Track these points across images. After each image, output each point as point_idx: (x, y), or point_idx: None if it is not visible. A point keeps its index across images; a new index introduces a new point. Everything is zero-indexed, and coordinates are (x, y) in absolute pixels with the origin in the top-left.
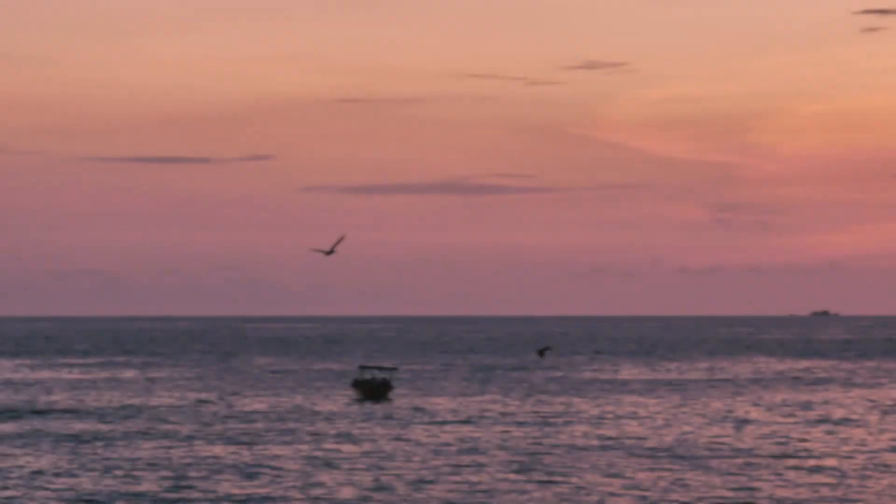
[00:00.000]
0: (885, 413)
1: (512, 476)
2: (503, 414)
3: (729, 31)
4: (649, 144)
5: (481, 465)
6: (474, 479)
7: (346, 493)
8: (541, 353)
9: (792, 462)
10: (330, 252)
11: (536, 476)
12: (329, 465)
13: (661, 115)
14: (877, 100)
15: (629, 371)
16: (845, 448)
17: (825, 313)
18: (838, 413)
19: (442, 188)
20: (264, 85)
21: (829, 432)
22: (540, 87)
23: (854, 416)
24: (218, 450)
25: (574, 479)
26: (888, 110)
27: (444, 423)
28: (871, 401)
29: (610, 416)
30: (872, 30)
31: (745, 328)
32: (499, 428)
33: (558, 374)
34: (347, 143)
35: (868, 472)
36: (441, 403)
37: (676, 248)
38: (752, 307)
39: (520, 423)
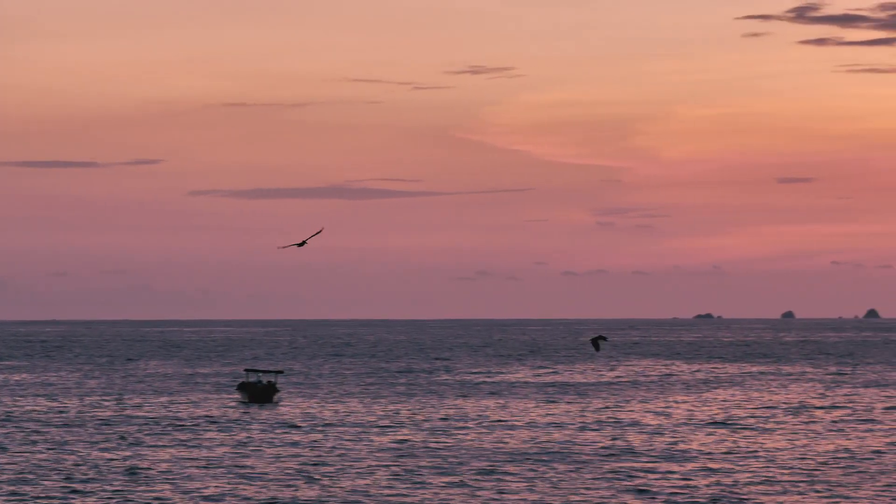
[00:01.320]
0: (762, 415)
1: (381, 480)
2: (390, 417)
3: (613, 37)
4: (534, 148)
5: (366, 469)
6: (353, 483)
7: (223, 491)
8: (595, 342)
9: (666, 465)
10: (302, 244)
11: (407, 479)
12: (208, 466)
13: (546, 119)
14: (759, 104)
15: (516, 374)
16: (722, 449)
17: (708, 316)
18: (721, 415)
19: (329, 192)
20: (152, 89)
21: (709, 434)
22: (426, 91)
23: (737, 419)
24: (103, 454)
25: (448, 482)
26: (770, 115)
27: (326, 426)
28: (755, 403)
29: (495, 418)
30: (755, 35)
31: (632, 331)
32: (383, 431)
33: (445, 377)
34: (235, 148)
35: (741, 474)
36: (326, 407)
37: (561, 252)
38: (637, 310)
39: (403, 426)
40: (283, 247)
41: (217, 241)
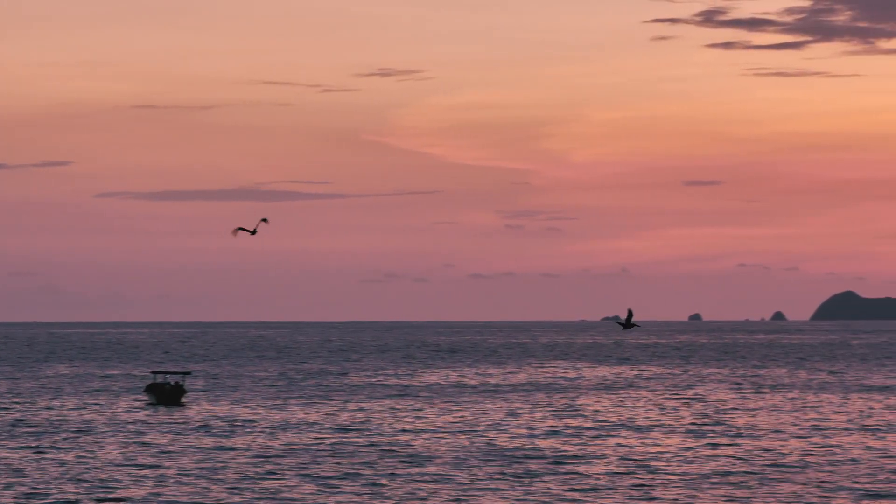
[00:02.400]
0: (667, 418)
1: (290, 482)
2: (299, 419)
3: (521, 40)
4: (443, 151)
5: (276, 470)
6: (262, 484)
7: (132, 493)
8: (626, 324)
9: (557, 466)
10: (253, 232)
11: (315, 480)
12: (119, 466)
13: (454, 122)
14: (667, 108)
15: (423, 377)
16: (622, 453)
17: (616, 318)
18: (628, 418)
19: (238, 195)
20: (61, 91)
21: (613, 436)
22: (335, 93)
23: (644, 421)
24: (12, 454)
25: (356, 483)
26: (678, 118)
27: (235, 427)
28: (654, 406)
29: (402, 420)
30: (662, 38)
31: (538, 333)
32: (293, 433)
33: (353, 378)
34: (144, 150)
35: (621, 479)
36: (235, 409)
37: (470, 254)
38: (545, 312)
39: (312, 428)
40: (237, 230)
41: (125, 243)
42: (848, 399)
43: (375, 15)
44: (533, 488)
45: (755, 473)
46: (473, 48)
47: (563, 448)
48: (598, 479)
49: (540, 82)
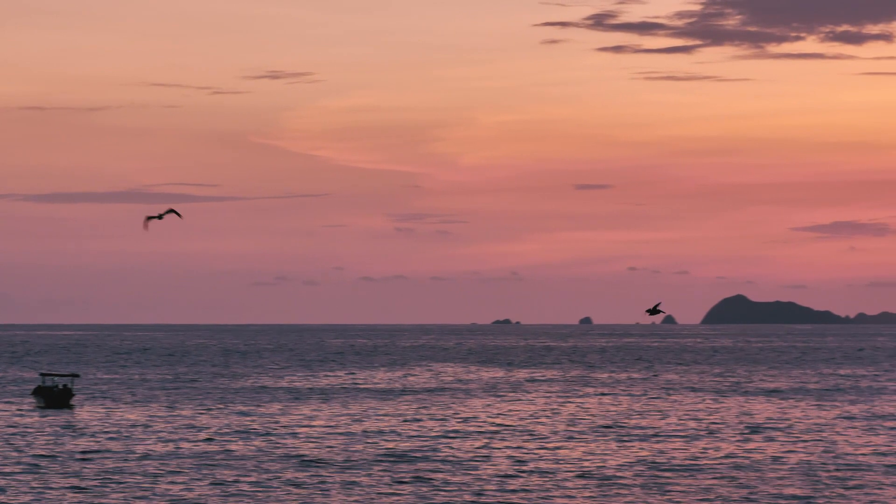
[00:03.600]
0: (553, 421)
1: (179, 484)
2: (187, 422)
3: (412, 43)
4: (332, 154)
5: (164, 473)
6: (150, 486)
7: (15, 498)
8: (653, 310)
9: (451, 469)
10: (160, 217)
11: (204, 482)
12: (3, 472)
13: (344, 124)
14: (557, 111)
15: (311, 379)
16: (507, 455)
17: (507, 322)
18: (514, 421)
19: (127, 197)
20: None
21: (499, 439)
22: (224, 96)
23: (530, 425)
24: None
25: (245, 485)
26: (568, 122)
27: (123, 430)
28: (546, 408)
29: (287, 424)
30: (553, 42)
31: (426, 336)
32: (181, 436)
33: (242, 382)
34: (32, 152)
35: (510, 482)
36: (123, 411)
37: (359, 257)
38: (435, 316)
39: (200, 431)
40: (147, 221)
41: (13, 245)
42: (743, 401)
43: (265, 17)
44: (423, 489)
45: (643, 475)
46: (363, 51)
47: (451, 451)
48: (488, 482)
49: (430, 85)
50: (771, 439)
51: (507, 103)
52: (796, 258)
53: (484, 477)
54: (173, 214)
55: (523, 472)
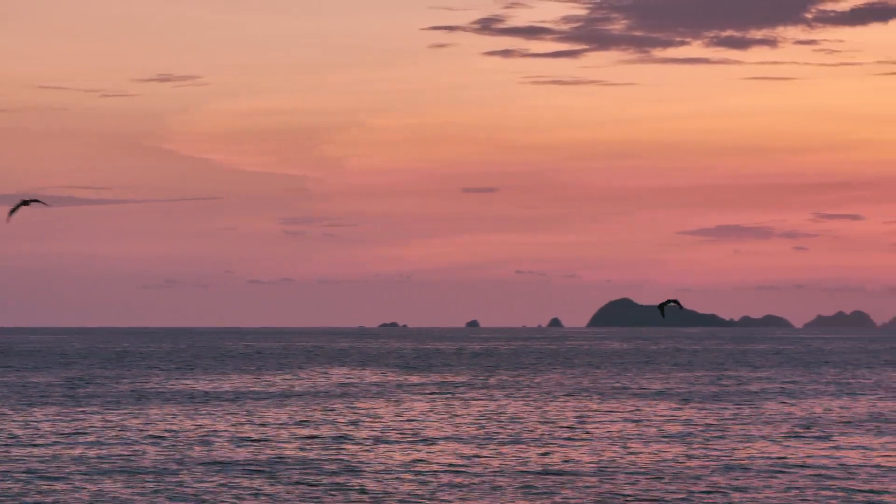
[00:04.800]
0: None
1: (70, 493)
2: (77, 428)
3: (301, 46)
4: (222, 157)
5: (54, 479)
6: (41, 499)
7: None
8: (663, 307)
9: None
10: (16, 208)
11: (94, 491)
12: None
13: (233, 128)
14: (445, 115)
15: (198, 383)
16: (397, 461)
17: (394, 325)
18: (405, 426)
19: (15, 200)
20: None
21: (383, 444)
22: (114, 98)
23: (415, 430)
24: None
25: (135, 492)
26: (456, 125)
27: (10, 438)
28: (431, 412)
29: (175, 429)
30: (441, 46)
31: (314, 340)
32: (71, 443)
33: (129, 386)
34: None
35: (397, 485)
36: (9, 418)
37: (248, 260)
38: (324, 319)
39: (89, 436)
40: (9, 215)
41: None
42: (630, 404)
43: (154, 20)
44: (309, 494)
45: (522, 478)
46: (253, 54)
47: (337, 455)
48: (374, 487)
49: (319, 89)
50: (657, 442)
51: (396, 107)
52: (682, 262)
53: (371, 480)
54: (40, 203)
55: (409, 475)
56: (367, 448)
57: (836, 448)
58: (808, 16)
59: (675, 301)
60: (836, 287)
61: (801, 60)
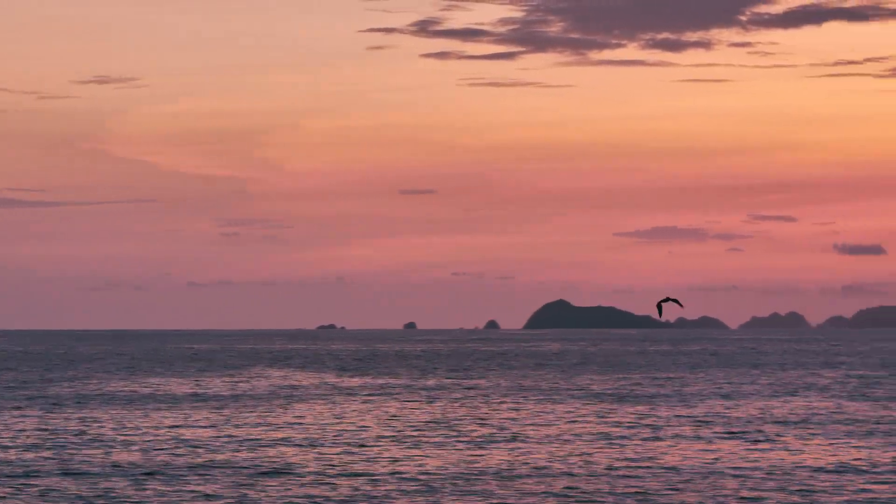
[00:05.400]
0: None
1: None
2: (5, 432)
3: (239, 48)
4: (160, 159)
5: None
6: None
7: None
8: (663, 303)
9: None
10: None
11: (25, 498)
12: None
13: (171, 130)
14: (383, 117)
15: (133, 386)
16: (336, 462)
17: (332, 327)
18: (342, 429)
19: None
20: None
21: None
22: (51, 101)
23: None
24: None
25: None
26: (394, 127)
27: None
28: (368, 414)
29: (99, 432)
30: (378, 48)
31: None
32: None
33: (66, 388)
34: None
35: (336, 489)
36: None
37: (187, 263)
38: (262, 321)
39: (21, 441)
40: None
41: None
42: (566, 405)
43: (92, 22)
44: (248, 495)
45: (457, 480)
46: (192, 56)
47: (275, 457)
48: (313, 487)
49: (257, 91)
50: (591, 442)
51: (334, 109)
52: (618, 263)
53: (309, 483)
54: None
55: (345, 478)
56: (304, 450)
57: (771, 449)
58: (743, 18)
59: (674, 299)
60: (771, 288)
61: (735, 62)
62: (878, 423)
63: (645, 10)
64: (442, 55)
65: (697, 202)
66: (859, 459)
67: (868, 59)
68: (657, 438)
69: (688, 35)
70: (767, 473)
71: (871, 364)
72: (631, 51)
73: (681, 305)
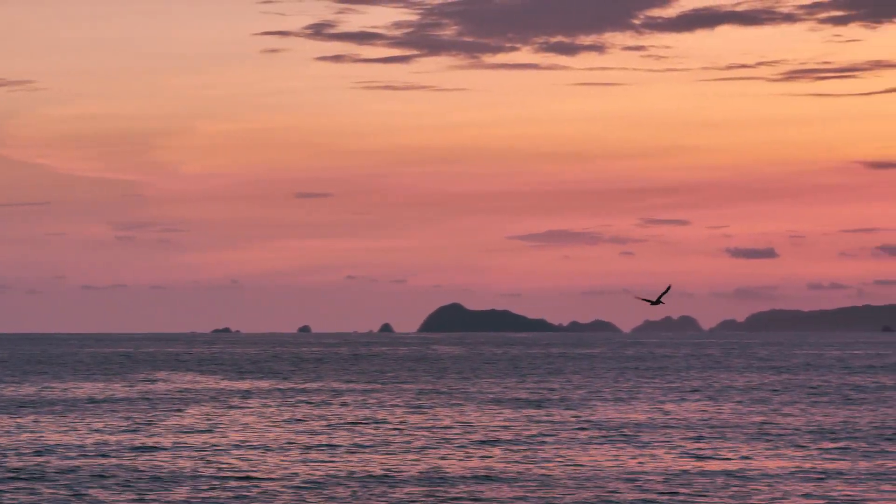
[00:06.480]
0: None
1: None
2: None
3: (133, 52)
4: (53, 162)
5: None
6: None
7: None
8: (656, 301)
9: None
10: None
11: None
12: None
13: (65, 132)
14: (278, 120)
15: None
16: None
17: (226, 330)
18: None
19: None
20: None
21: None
22: None
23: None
24: None
25: None
26: (289, 130)
27: None
28: (255, 419)
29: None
30: (273, 51)
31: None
32: None
33: None
34: None
35: (218, 492)
36: None
37: (80, 266)
38: (156, 324)
39: None
40: None
41: None
42: (464, 410)
43: None
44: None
45: (348, 485)
46: (86, 59)
47: (165, 464)
48: (203, 495)
49: (151, 94)
50: (482, 446)
51: (229, 112)
52: (512, 267)
53: (200, 488)
54: None
55: (236, 482)
56: (197, 456)
57: (654, 452)
58: (636, 22)
59: (665, 291)
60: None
61: (629, 66)
62: (766, 427)
63: (539, 13)
64: (336, 58)
65: (591, 206)
66: (747, 463)
67: (761, 63)
68: (546, 442)
69: (581, 38)
70: (650, 476)
71: (762, 368)
72: (524, 54)
73: (665, 292)
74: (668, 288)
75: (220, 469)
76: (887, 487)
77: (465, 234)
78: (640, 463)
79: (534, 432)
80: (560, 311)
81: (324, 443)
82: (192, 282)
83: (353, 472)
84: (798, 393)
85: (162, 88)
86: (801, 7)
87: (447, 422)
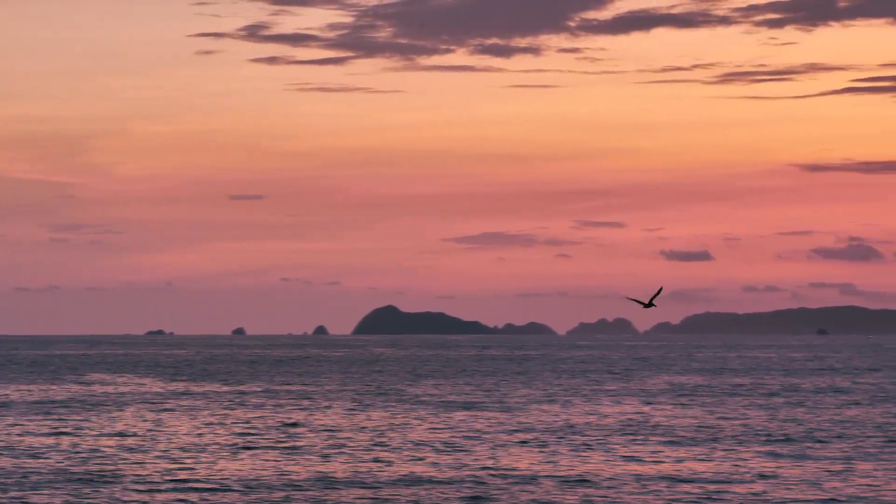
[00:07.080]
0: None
1: None
2: None
3: (67, 52)
4: None
5: None
6: None
7: None
8: (649, 303)
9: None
10: None
11: None
12: None
13: None
14: (212, 122)
15: None
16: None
17: (160, 332)
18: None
19: None
20: None
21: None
22: None
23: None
24: None
25: None
26: (223, 132)
27: None
28: (195, 423)
29: None
30: (207, 53)
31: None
32: None
33: None
34: None
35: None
36: None
37: (12, 268)
38: (91, 326)
39: None
40: None
41: None
42: (397, 411)
43: None
44: None
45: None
46: (19, 60)
47: (96, 467)
48: (135, 497)
49: (85, 95)
50: (416, 449)
51: (163, 114)
52: (446, 269)
53: (133, 490)
54: None
55: (169, 484)
56: (130, 459)
57: (589, 454)
58: (572, 24)
59: (657, 293)
60: (599, 294)
61: (564, 68)
62: (702, 429)
63: (474, 15)
64: (271, 60)
65: (526, 208)
66: (682, 466)
67: (696, 66)
68: (483, 444)
69: (517, 41)
70: (589, 479)
71: (694, 369)
72: (459, 56)
73: (657, 294)
74: (660, 290)
75: (153, 472)
76: (813, 491)
77: (400, 236)
78: (574, 465)
79: (468, 435)
80: (495, 314)
81: (258, 445)
82: (127, 283)
83: (287, 475)
84: (729, 395)
85: (97, 90)
86: (737, 10)
87: (382, 424)
